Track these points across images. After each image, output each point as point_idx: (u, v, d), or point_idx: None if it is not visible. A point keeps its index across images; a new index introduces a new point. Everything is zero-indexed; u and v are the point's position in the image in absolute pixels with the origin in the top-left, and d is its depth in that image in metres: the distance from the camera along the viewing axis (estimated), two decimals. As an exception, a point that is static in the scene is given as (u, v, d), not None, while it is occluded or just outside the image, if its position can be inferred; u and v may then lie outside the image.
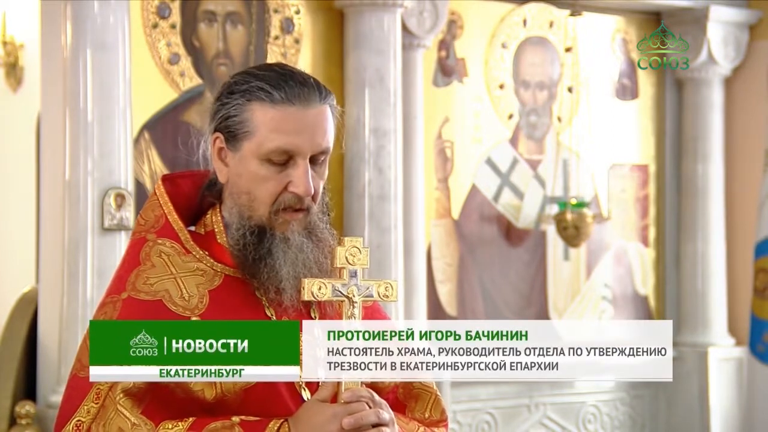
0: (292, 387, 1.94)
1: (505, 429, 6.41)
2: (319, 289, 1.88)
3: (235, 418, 1.87)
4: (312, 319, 2.01)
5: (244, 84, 1.97)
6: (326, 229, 2.00)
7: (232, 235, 1.99)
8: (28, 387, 5.17)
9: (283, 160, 1.95)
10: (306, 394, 1.94)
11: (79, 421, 1.89)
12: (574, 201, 6.40)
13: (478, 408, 6.31)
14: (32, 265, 5.88)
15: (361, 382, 1.89)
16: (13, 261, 6.42)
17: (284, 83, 1.96)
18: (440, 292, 6.27)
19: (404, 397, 2.08)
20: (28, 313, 5.25)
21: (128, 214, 4.95)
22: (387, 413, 1.87)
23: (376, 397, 1.89)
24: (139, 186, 5.32)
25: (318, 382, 1.93)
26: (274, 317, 1.98)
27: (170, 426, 1.86)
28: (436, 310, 6.20)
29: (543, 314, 6.57)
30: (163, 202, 2.03)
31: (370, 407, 1.86)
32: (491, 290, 6.43)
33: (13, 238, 6.44)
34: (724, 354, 6.82)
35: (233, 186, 1.99)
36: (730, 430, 6.81)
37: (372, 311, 2.07)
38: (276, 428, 1.86)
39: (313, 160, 1.97)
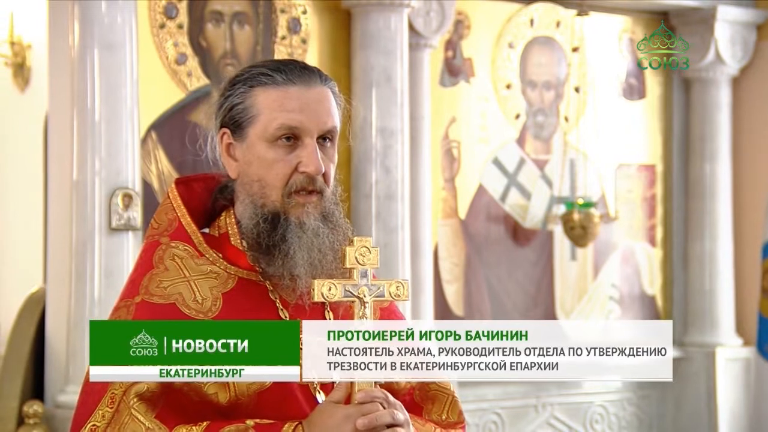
0: (306, 389, 1.94)
1: (512, 429, 6.41)
2: (329, 290, 1.87)
3: (250, 422, 1.86)
4: (326, 320, 2.00)
5: (245, 74, 1.99)
6: (341, 218, 1.99)
7: (246, 225, 1.97)
8: (35, 387, 5.17)
9: (291, 140, 1.94)
10: (321, 396, 1.93)
11: (94, 425, 1.88)
12: (581, 201, 6.40)
13: (485, 408, 6.31)
14: (40, 265, 5.89)
15: (376, 384, 1.87)
16: (20, 261, 6.43)
17: (284, 66, 1.97)
18: (447, 292, 6.26)
19: (421, 399, 2.07)
20: (35, 313, 5.25)
21: (135, 214, 4.95)
22: (402, 414, 1.86)
23: (391, 397, 1.87)
24: (147, 186, 5.32)
25: (332, 384, 1.92)
26: (288, 319, 1.96)
27: (184, 430, 1.85)
28: (443, 310, 6.20)
29: (550, 314, 6.56)
30: (176, 205, 2.03)
31: (384, 408, 1.85)
32: (498, 290, 6.43)
33: (21, 238, 6.45)
34: (731, 354, 6.81)
35: (244, 177, 1.98)
36: (738, 431, 6.80)
37: (389, 312, 2.06)
38: (290, 430, 1.85)
39: (321, 143, 1.96)
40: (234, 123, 1.98)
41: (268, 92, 1.95)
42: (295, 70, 1.96)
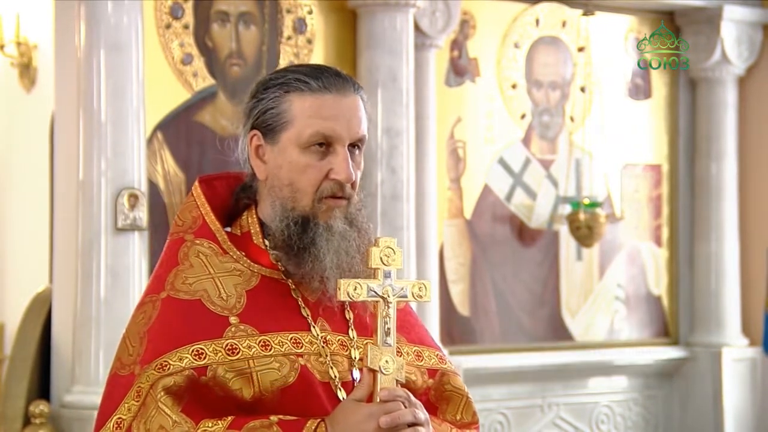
0: (328, 387, 1.95)
1: (517, 429, 6.40)
2: (355, 289, 1.89)
3: (274, 417, 1.88)
4: (346, 319, 2.03)
5: (279, 78, 2.01)
6: (365, 221, 2.02)
7: (275, 227, 2.00)
8: (42, 387, 5.18)
9: (323, 147, 1.97)
10: (342, 394, 1.94)
11: (119, 418, 1.90)
12: (586, 201, 6.39)
13: (491, 408, 6.31)
14: (46, 265, 5.89)
15: (398, 383, 1.90)
16: (26, 261, 6.43)
17: (320, 73, 2.00)
18: (453, 292, 6.26)
19: (436, 399, 2.09)
20: (41, 313, 5.26)
21: (141, 214, 4.95)
22: (422, 413, 1.88)
23: (412, 397, 1.89)
24: (153, 186, 5.32)
25: (353, 383, 1.95)
26: (310, 317, 1.99)
27: (210, 424, 1.87)
28: (448, 310, 6.20)
29: (556, 314, 6.56)
30: (201, 203, 2.05)
31: (405, 407, 1.86)
32: (504, 290, 6.42)
33: (27, 238, 6.45)
34: (737, 354, 6.80)
35: (274, 179, 2.00)
36: (744, 431, 6.79)
37: (404, 313, 2.08)
38: (314, 428, 1.87)
39: (351, 150, 1.99)
40: (266, 126, 2.00)
41: (304, 98, 1.97)
42: (330, 78, 1.99)
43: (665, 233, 6.93)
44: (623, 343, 6.72)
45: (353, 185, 1.99)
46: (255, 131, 2.01)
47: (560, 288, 6.58)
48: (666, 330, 6.92)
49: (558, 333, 6.55)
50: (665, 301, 6.93)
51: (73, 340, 4.96)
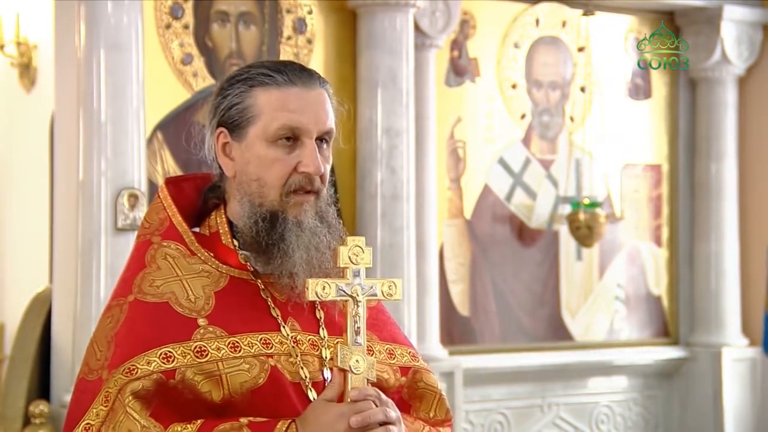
0: (299, 388, 1.94)
1: (517, 429, 6.40)
2: (323, 288, 1.88)
3: (244, 420, 1.86)
4: (317, 318, 2.02)
5: (243, 74, 2.00)
6: (335, 218, 2.00)
7: (244, 224, 1.98)
8: (42, 387, 5.19)
9: (291, 141, 1.96)
10: (312, 395, 1.93)
11: (88, 424, 1.88)
12: (586, 201, 6.39)
13: (490, 408, 6.31)
14: (46, 265, 5.90)
15: (368, 382, 1.89)
16: (26, 261, 6.44)
17: (284, 67, 1.99)
18: (453, 292, 6.26)
19: (409, 397, 2.08)
20: (41, 313, 5.27)
21: (141, 214, 4.96)
22: (394, 412, 1.87)
23: (383, 395, 1.88)
24: (152, 186, 5.33)
25: (324, 383, 1.94)
26: (280, 317, 1.98)
27: (179, 428, 1.85)
28: (448, 310, 6.20)
29: (555, 314, 6.56)
30: (167, 204, 2.04)
31: (376, 406, 1.86)
32: (504, 290, 6.42)
33: (27, 238, 6.46)
34: (737, 354, 6.79)
35: (242, 175, 1.99)
36: (744, 431, 6.79)
37: (376, 311, 2.07)
38: (284, 428, 1.85)
39: (318, 144, 1.98)
40: (232, 122, 1.98)
41: (270, 92, 1.96)
42: (295, 71, 1.98)
43: (665, 233, 6.93)
44: (623, 343, 6.72)
45: (322, 179, 1.97)
46: (221, 128, 2.00)
47: (560, 288, 6.58)
48: (666, 330, 6.91)
49: (558, 333, 6.56)
50: (665, 301, 6.92)
51: (73, 340, 4.97)
